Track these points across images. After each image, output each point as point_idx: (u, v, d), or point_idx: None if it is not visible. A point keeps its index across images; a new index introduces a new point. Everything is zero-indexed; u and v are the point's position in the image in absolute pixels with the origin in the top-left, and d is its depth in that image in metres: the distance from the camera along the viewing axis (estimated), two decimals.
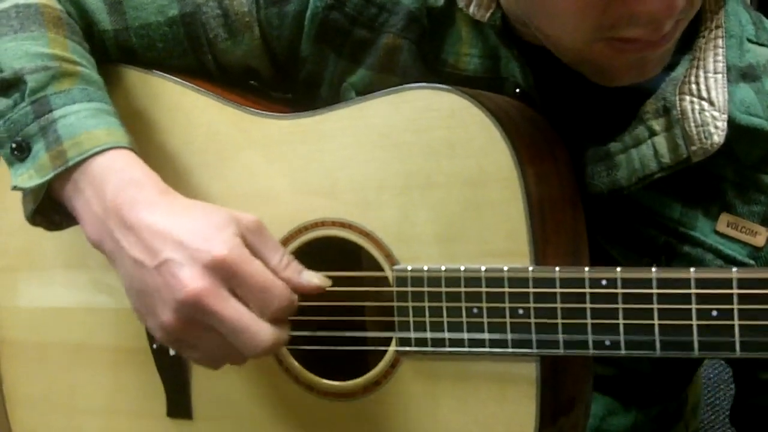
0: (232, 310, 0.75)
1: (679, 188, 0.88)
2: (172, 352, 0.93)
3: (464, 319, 0.80)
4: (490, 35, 0.89)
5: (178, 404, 0.96)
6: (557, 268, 0.77)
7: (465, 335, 0.80)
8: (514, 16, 0.87)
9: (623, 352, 0.75)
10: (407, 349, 0.83)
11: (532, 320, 0.78)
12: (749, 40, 0.89)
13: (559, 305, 0.77)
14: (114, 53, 0.97)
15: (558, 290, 0.76)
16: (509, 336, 0.79)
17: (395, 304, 0.83)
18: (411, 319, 0.82)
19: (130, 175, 0.83)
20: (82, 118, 0.85)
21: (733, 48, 0.87)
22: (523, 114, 0.85)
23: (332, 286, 0.83)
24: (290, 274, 0.80)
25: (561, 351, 0.77)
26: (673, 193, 0.88)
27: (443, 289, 0.80)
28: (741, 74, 0.87)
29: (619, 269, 0.75)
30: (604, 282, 0.75)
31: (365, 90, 0.91)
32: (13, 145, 0.85)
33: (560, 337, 0.77)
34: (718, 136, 0.83)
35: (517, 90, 0.88)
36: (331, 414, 0.88)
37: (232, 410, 0.93)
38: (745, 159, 0.87)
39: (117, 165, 0.83)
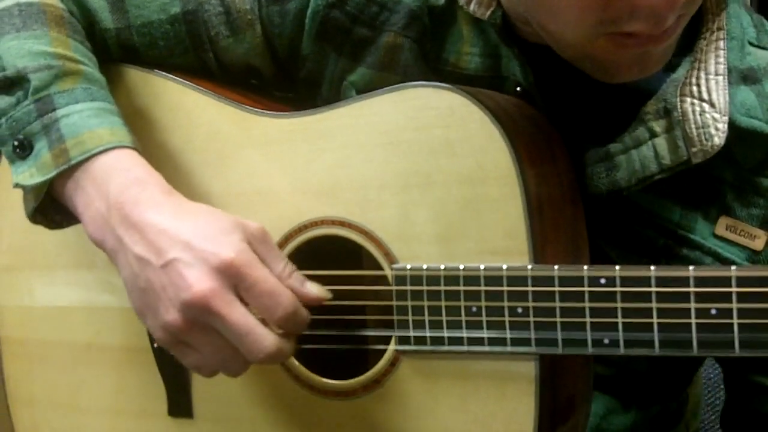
0: (238, 313, 0.75)
1: (678, 190, 0.88)
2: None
3: (463, 318, 0.80)
4: (491, 34, 0.89)
5: (179, 403, 0.96)
6: (556, 267, 0.77)
7: (464, 334, 0.80)
8: (515, 14, 0.87)
9: (622, 350, 0.75)
10: (406, 347, 0.83)
11: (531, 318, 0.78)
12: (750, 43, 0.89)
13: (558, 304, 0.77)
14: (116, 52, 0.97)
15: (557, 289, 0.77)
16: (508, 334, 0.79)
17: (394, 303, 0.83)
18: (410, 317, 0.82)
19: (134, 175, 0.83)
20: (85, 117, 0.85)
21: (735, 50, 0.87)
22: (523, 112, 0.85)
23: (332, 284, 0.83)
24: (293, 283, 0.80)
25: (560, 349, 0.77)
26: (673, 196, 0.88)
27: (442, 288, 0.80)
28: (742, 76, 0.87)
29: (617, 267, 0.75)
30: (602, 280, 0.75)
31: (366, 89, 0.91)
32: (15, 143, 0.85)
33: (559, 335, 0.77)
34: (719, 138, 0.83)
35: (518, 89, 0.89)
36: (331, 412, 0.88)
37: (233, 409, 0.93)
38: (744, 162, 0.87)
39: (120, 164, 0.83)
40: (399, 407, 0.85)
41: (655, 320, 0.74)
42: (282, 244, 0.88)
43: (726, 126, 0.83)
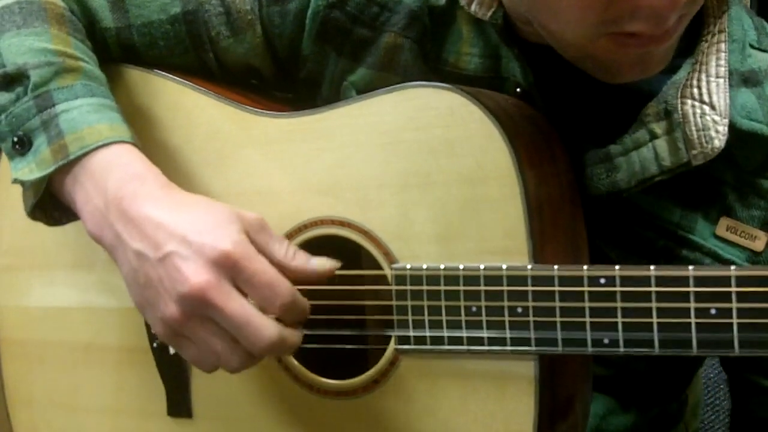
0: (236, 304, 0.75)
1: (678, 191, 0.88)
2: (171, 351, 0.93)
3: (463, 318, 0.80)
4: (492, 34, 0.89)
5: (179, 403, 0.96)
6: (556, 267, 0.77)
7: (464, 333, 0.80)
8: (516, 14, 0.87)
9: (622, 350, 0.75)
10: (406, 347, 0.83)
11: (531, 318, 0.78)
12: (751, 46, 0.89)
13: (557, 303, 0.77)
14: (116, 51, 0.97)
15: (557, 288, 0.76)
16: (508, 334, 0.79)
17: (394, 302, 0.83)
18: (410, 317, 0.82)
19: (133, 169, 0.83)
20: (85, 113, 0.85)
21: (736, 53, 0.87)
22: (523, 112, 0.85)
23: (331, 284, 0.83)
24: (299, 263, 0.80)
25: (559, 349, 0.77)
26: (673, 197, 0.88)
27: (442, 288, 0.80)
28: (743, 79, 0.87)
29: (617, 267, 0.75)
30: (602, 280, 0.75)
31: (366, 89, 0.91)
32: (15, 139, 0.85)
33: (559, 335, 0.77)
34: (719, 140, 0.83)
35: (518, 90, 0.89)
36: (331, 412, 0.88)
37: (232, 409, 0.93)
38: (745, 164, 0.87)
39: (119, 159, 0.83)
40: (399, 407, 0.85)
41: (654, 320, 0.74)
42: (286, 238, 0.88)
43: (726, 128, 0.83)
